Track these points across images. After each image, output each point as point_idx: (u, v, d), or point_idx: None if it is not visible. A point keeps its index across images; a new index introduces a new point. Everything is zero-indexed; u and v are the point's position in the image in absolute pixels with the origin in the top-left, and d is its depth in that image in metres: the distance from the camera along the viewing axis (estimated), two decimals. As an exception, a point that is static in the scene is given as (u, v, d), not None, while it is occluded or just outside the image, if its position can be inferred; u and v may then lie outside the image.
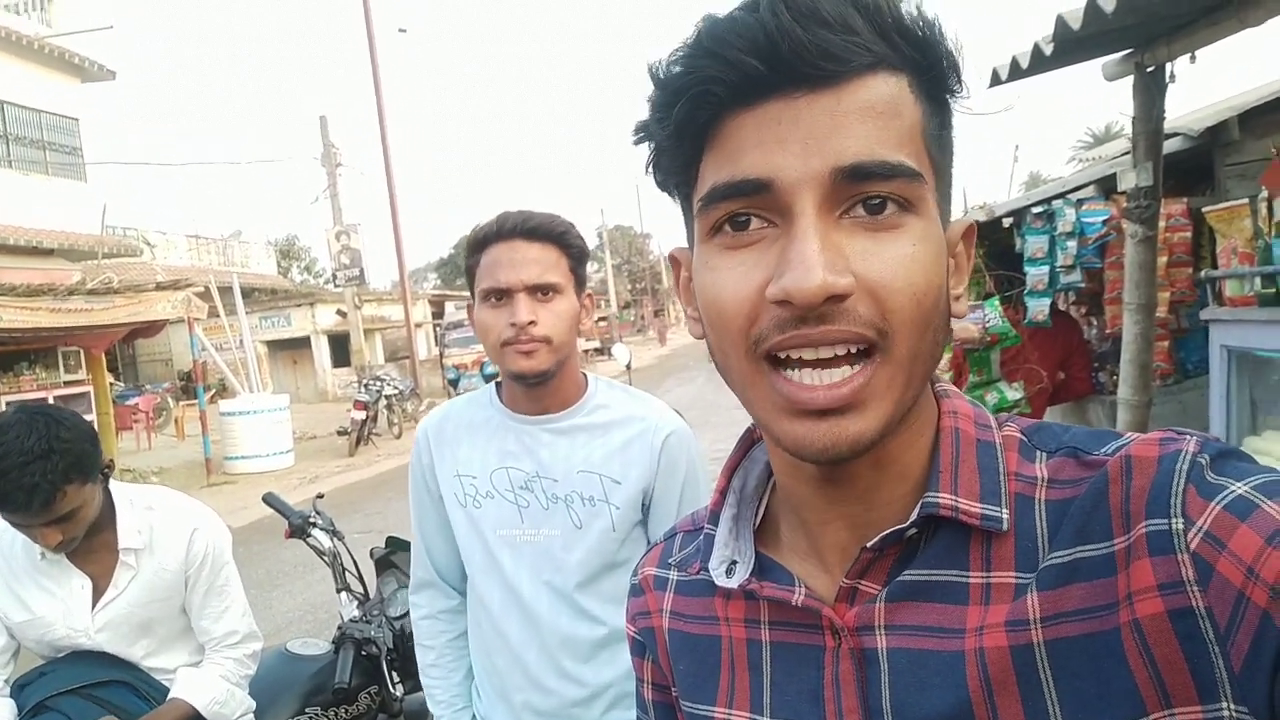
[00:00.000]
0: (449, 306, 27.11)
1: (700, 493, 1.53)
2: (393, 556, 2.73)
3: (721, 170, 0.57)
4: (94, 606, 1.88)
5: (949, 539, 0.60)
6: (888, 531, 0.59)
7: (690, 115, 0.57)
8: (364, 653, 2.35)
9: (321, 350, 25.31)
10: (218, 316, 14.49)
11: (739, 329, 0.57)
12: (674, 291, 0.72)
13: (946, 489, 0.59)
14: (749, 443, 0.74)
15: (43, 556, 1.86)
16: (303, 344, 25.28)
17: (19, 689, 1.88)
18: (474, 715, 1.64)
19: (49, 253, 16.03)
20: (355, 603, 2.55)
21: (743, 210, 0.56)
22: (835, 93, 0.54)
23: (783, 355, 0.56)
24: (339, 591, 2.58)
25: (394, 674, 2.45)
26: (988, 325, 3.87)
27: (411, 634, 2.47)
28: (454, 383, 19.35)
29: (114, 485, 1.92)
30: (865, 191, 0.54)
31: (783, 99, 0.54)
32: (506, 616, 1.52)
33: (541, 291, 1.46)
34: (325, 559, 2.58)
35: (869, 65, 0.54)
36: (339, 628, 2.41)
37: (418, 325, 24.23)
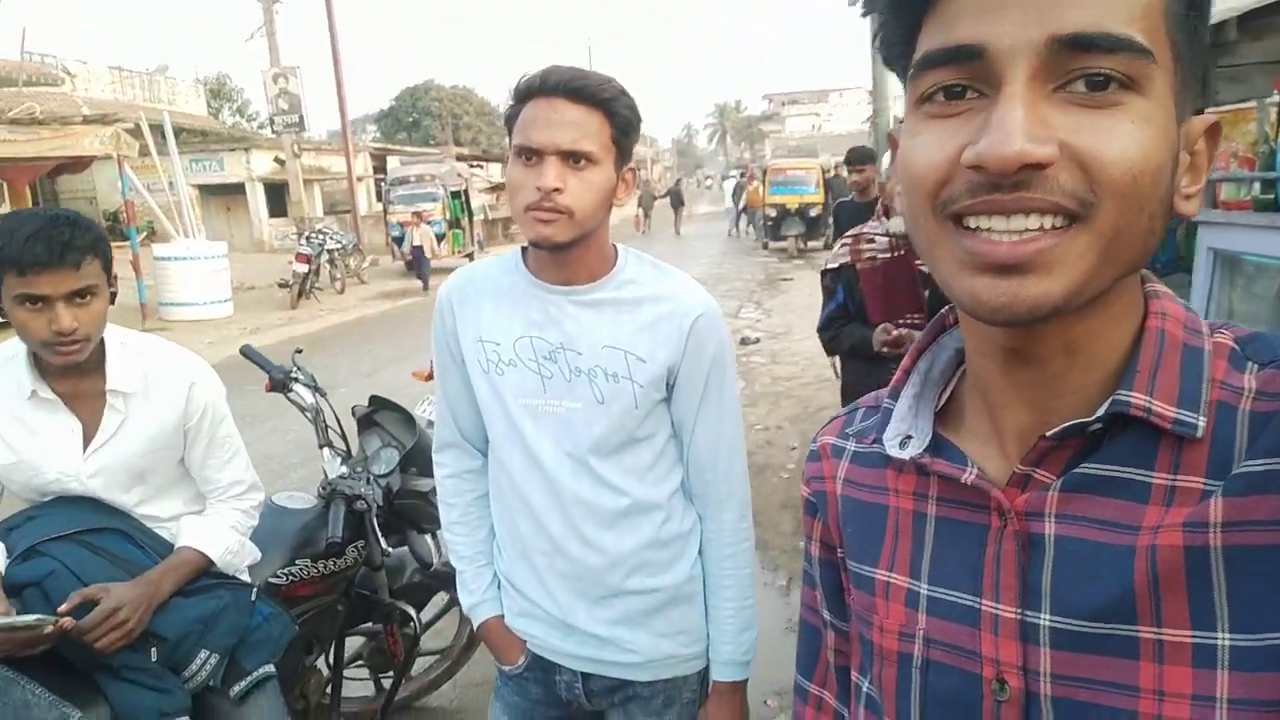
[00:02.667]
0: (392, 161, 26.18)
1: (726, 375, 1.52)
2: (376, 415, 2.69)
3: (935, 38, 0.57)
4: (84, 451, 1.83)
5: (1137, 438, 0.59)
6: (1069, 424, 0.59)
7: None
8: (353, 508, 2.35)
9: (258, 199, 24.36)
10: (148, 155, 13.74)
11: (928, 191, 0.57)
12: (892, 172, 0.72)
13: (1142, 389, 0.58)
14: (940, 328, 0.75)
15: (32, 395, 1.78)
16: (236, 190, 24.28)
17: (6, 532, 1.82)
18: (494, 572, 1.66)
19: (-41, 75, 14.87)
20: (339, 459, 2.53)
21: (955, 80, 0.56)
22: None
23: (972, 223, 0.56)
24: (321, 447, 2.55)
25: (379, 530, 2.46)
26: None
27: (396, 492, 2.51)
28: (398, 240, 18.87)
29: (109, 328, 1.84)
30: (1087, 66, 0.52)
31: None
32: (528, 483, 1.52)
33: (574, 159, 1.37)
34: (307, 415, 2.53)
35: None
36: (326, 484, 2.39)
37: (359, 179, 23.39)
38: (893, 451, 0.71)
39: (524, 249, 1.55)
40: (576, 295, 1.49)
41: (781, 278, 15.64)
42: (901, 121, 0.66)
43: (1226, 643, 0.54)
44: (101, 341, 1.82)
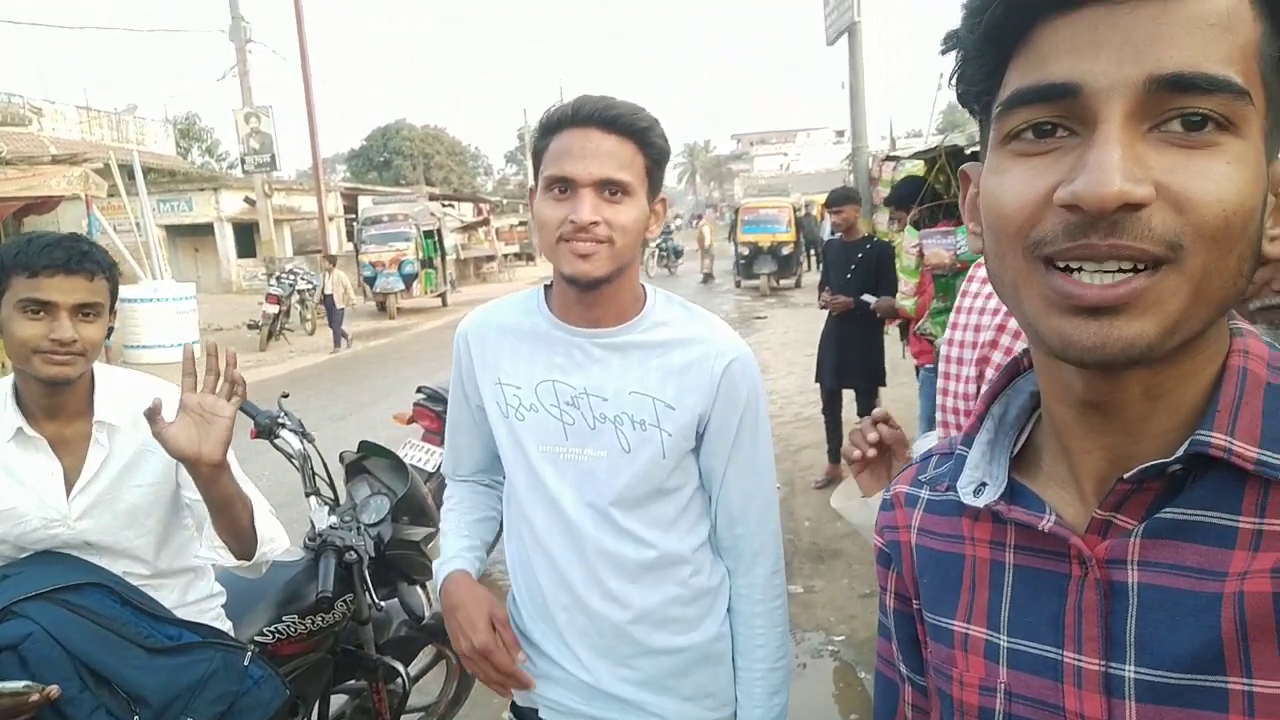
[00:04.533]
0: (364, 200, 26.09)
1: (760, 423, 1.46)
2: (365, 461, 2.60)
3: (1027, 75, 0.56)
4: (69, 494, 1.73)
5: (1221, 481, 0.58)
6: (1148, 465, 0.58)
7: (1004, 18, 0.56)
8: (343, 560, 2.25)
9: (226, 239, 24.13)
10: (116, 195, 13.55)
11: (1017, 229, 0.57)
12: (961, 209, 0.69)
13: (1222, 429, 0.57)
14: (1014, 371, 0.74)
15: (16, 433, 1.69)
16: (205, 231, 24.05)
17: (-24, 593, 1.71)
18: (510, 616, 1.55)
19: (-77, 114, 14.63)
20: (326, 508, 2.43)
21: (1047, 118, 0.56)
22: (1163, 0, 0.52)
23: (1061, 265, 0.55)
24: (308, 496, 2.45)
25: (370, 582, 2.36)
26: (959, 252, 3.89)
27: (387, 542, 2.42)
28: (370, 280, 18.73)
29: (97, 365, 1.77)
30: (1183, 106, 0.52)
31: (1104, 5, 0.53)
32: (550, 533, 1.45)
33: (610, 189, 1.32)
34: (295, 462, 2.43)
35: None
36: (316, 534, 2.29)
37: (330, 219, 23.25)
38: (967, 499, 0.69)
39: (546, 287, 1.49)
40: (602, 338, 1.42)
41: (755, 315, 15.67)
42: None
43: None
44: (91, 379, 1.76)
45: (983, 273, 1.60)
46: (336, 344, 13.99)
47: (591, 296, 1.39)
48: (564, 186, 1.33)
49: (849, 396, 5.89)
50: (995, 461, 0.70)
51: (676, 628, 1.44)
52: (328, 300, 14.12)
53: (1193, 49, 0.51)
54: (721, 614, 1.49)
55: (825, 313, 5.75)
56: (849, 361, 5.65)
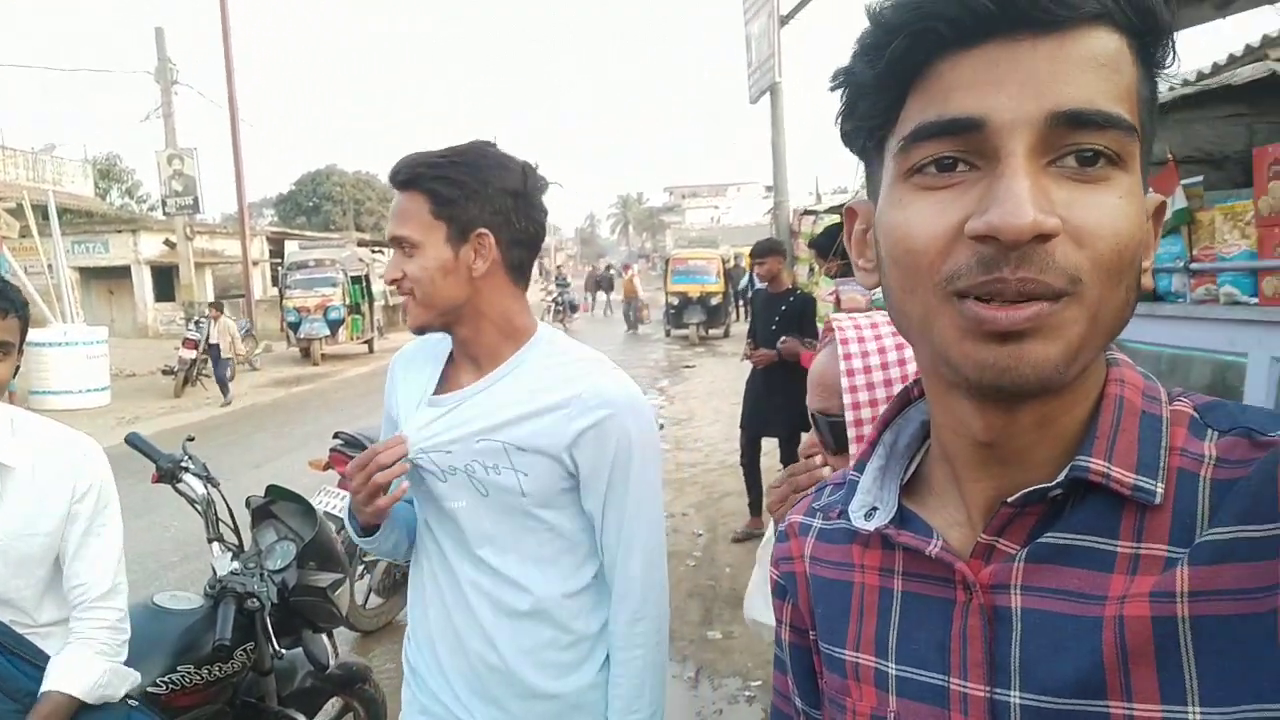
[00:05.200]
0: (290, 245, 25.69)
1: (632, 472, 1.42)
2: (272, 506, 2.55)
3: (929, 110, 0.57)
4: None
5: (1099, 506, 0.59)
6: (1030, 489, 0.59)
7: (906, 53, 0.57)
8: (244, 607, 2.19)
9: (143, 282, 23.47)
10: (29, 236, 13.12)
11: (928, 263, 0.57)
12: (846, 244, 0.70)
13: (1100, 455, 0.58)
14: (905, 401, 0.75)
15: None
16: (121, 274, 23.38)
17: None
18: (404, 651, 1.59)
19: None
20: (229, 554, 2.38)
21: (950, 152, 0.56)
22: (1059, 39, 0.54)
23: (974, 297, 0.55)
24: (211, 541, 2.40)
25: (272, 630, 2.31)
26: (873, 299, 4.02)
27: (292, 589, 2.36)
28: (294, 326, 18.36)
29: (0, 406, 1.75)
30: (1079, 142, 0.54)
31: (1003, 42, 0.54)
32: (436, 571, 1.50)
33: (402, 246, 1.41)
34: (197, 507, 2.39)
35: (1095, 16, 0.54)
36: (216, 580, 2.23)
37: (255, 263, 22.81)
38: (858, 523, 0.69)
39: None
40: (479, 379, 1.46)
41: (684, 365, 15.77)
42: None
43: (1198, 717, 0.53)
44: None
45: (853, 333, 1.36)
46: (225, 393, 13.15)
47: (454, 345, 1.48)
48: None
49: (770, 446, 5.97)
50: (886, 487, 0.71)
51: (552, 672, 1.45)
52: (213, 350, 13.29)
53: (1088, 87, 0.54)
54: (599, 662, 1.48)
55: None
56: (773, 410, 5.74)
